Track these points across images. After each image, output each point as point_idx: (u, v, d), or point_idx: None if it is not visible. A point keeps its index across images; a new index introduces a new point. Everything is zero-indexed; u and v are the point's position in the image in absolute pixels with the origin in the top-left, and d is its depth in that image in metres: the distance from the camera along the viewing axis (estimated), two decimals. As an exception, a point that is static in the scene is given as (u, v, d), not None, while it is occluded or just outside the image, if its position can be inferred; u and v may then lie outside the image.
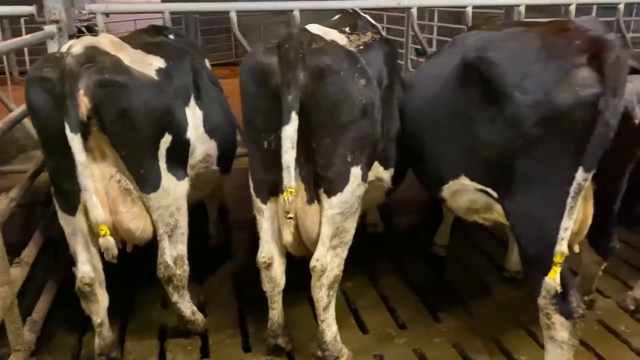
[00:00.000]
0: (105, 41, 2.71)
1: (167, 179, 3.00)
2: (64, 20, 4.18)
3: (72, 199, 2.82)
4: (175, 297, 3.35)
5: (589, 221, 2.84)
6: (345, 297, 4.05)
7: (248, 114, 2.92)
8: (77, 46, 2.52)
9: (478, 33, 3.04)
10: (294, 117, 2.67)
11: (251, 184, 3.10)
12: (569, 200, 2.47)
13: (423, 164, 3.31)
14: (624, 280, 4.17)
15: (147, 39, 3.31)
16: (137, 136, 2.75)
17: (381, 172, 3.37)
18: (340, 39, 3.04)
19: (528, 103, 2.55)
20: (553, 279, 2.57)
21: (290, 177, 2.76)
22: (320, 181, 2.93)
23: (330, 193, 2.93)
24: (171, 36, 3.81)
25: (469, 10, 4.83)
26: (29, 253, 3.10)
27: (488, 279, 4.26)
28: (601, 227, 2.99)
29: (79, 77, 2.50)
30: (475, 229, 4.12)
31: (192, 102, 3.21)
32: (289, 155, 2.72)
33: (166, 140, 2.92)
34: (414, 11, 4.98)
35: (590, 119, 2.38)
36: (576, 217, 2.70)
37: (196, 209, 4.35)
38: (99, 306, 3.06)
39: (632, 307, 3.78)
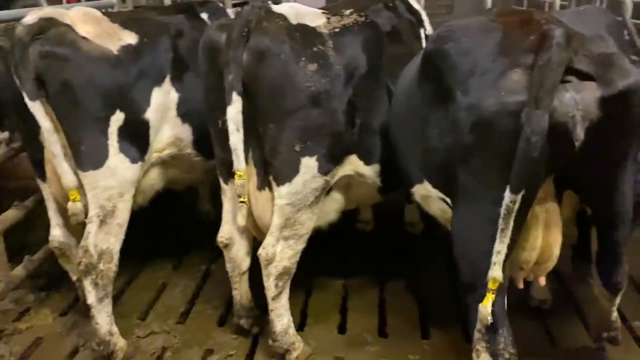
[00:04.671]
0: (73, 14, 2.86)
1: (117, 159, 2.93)
2: (127, -8, 4.54)
3: (41, 166, 3.01)
4: (92, 298, 3.00)
5: (555, 251, 2.42)
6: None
7: (204, 92, 2.91)
8: (32, 16, 2.70)
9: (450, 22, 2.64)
10: (236, 98, 2.61)
11: (216, 164, 3.10)
12: (500, 222, 2.11)
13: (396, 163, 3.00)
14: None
15: (142, 14, 3.37)
16: (79, 110, 2.77)
17: (361, 167, 3.10)
18: (314, 20, 2.85)
19: (464, 105, 2.17)
20: (485, 307, 2.23)
21: (238, 161, 2.71)
22: (268, 168, 2.83)
23: (278, 182, 2.82)
24: (204, 14, 3.83)
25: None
26: (32, 200, 3.48)
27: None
28: (603, 257, 2.61)
29: (27, 47, 2.63)
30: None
31: (167, 83, 3.14)
32: (234, 137, 2.68)
33: (118, 118, 2.90)
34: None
35: (516, 131, 1.96)
36: (534, 245, 2.34)
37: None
38: (73, 265, 3.26)
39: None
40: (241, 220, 2.86)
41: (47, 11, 2.80)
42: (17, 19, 3.33)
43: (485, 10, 4.40)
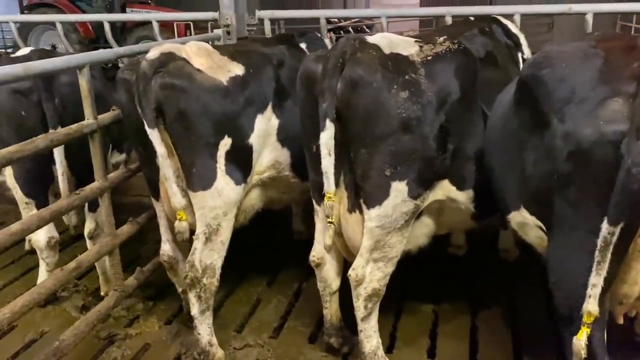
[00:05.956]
0: (189, 48, 3.14)
1: (223, 181, 3.11)
2: (233, 25, 4.89)
3: (155, 186, 3.30)
4: (195, 310, 3.21)
5: None
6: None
7: (301, 119, 3.07)
8: (154, 52, 2.99)
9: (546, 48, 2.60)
10: (329, 125, 2.74)
11: (310, 186, 3.24)
12: (597, 254, 2.05)
13: (492, 188, 2.97)
14: None
15: (248, 47, 3.62)
16: (193, 136, 2.97)
17: (453, 193, 3.10)
18: (407, 48, 2.93)
19: (560, 133, 2.15)
20: (579, 340, 2.17)
21: (329, 183, 2.82)
22: (359, 191, 2.92)
23: (369, 205, 2.90)
24: (303, 44, 4.06)
25: None
26: (145, 216, 3.82)
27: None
28: None
29: (150, 80, 2.89)
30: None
31: (269, 110, 3.33)
32: (326, 161, 2.79)
33: (226, 143, 3.09)
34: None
35: (614, 161, 1.92)
36: (636, 279, 2.31)
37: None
38: (180, 278, 3.52)
39: None
40: (328, 240, 2.93)
41: (167, 46, 3.08)
42: (139, 54, 3.73)
43: (583, 28, 4.25)
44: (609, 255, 2.04)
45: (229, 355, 3.48)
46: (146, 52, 3.11)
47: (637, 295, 2.32)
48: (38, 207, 3.61)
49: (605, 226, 2.00)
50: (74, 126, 3.13)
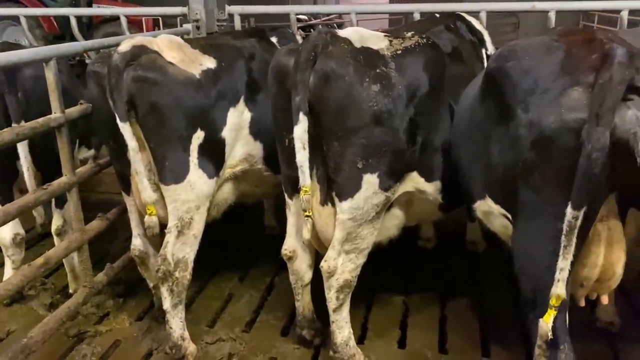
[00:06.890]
0: (160, 41, 3.12)
1: (196, 174, 3.10)
2: (203, 20, 4.86)
3: (126, 181, 3.27)
4: (167, 304, 3.20)
5: (617, 269, 2.43)
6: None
7: (273, 112, 3.09)
8: (125, 44, 2.96)
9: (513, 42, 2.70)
10: (302, 118, 2.75)
11: (282, 180, 3.26)
12: (563, 238, 2.14)
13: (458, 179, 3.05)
14: None
15: (218, 40, 3.62)
16: (165, 129, 2.96)
17: (422, 184, 3.17)
18: (377, 42, 2.98)
19: (525, 122, 2.23)
20: (546, 322, 2.26)
21: (304, 177, 2.84)
22: (332, 184, 2.96)
23: (341, 197, 2.93)
24: (273, 38, 4.06)
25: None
26: (114, 212, 3.78)
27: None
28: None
29: (122, 72, 2.86)
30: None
31: (241, 103, 3.33)
32: (300, 155, 2.81)
33: (198, 136, 3.08)
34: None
35: (576, 148, 2.01)
36: (595, 262, 2.37)
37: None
38: (151, 273, 3.52)
39: None
40: (306, 234, 2.96)
41: (138, 39, 3.05)
42: (107, 47, 3.69)
43: (547, 28, 4.39)
44: (574, 239, 2.13)
45: (201, 349, 3.48)
46: (114, 45, 3.08)
47: (597, 277, 2.43)
48: (3, 203, 3.52)
49: (569, 211, 2.09)
50: (40, 120, 3.08)
